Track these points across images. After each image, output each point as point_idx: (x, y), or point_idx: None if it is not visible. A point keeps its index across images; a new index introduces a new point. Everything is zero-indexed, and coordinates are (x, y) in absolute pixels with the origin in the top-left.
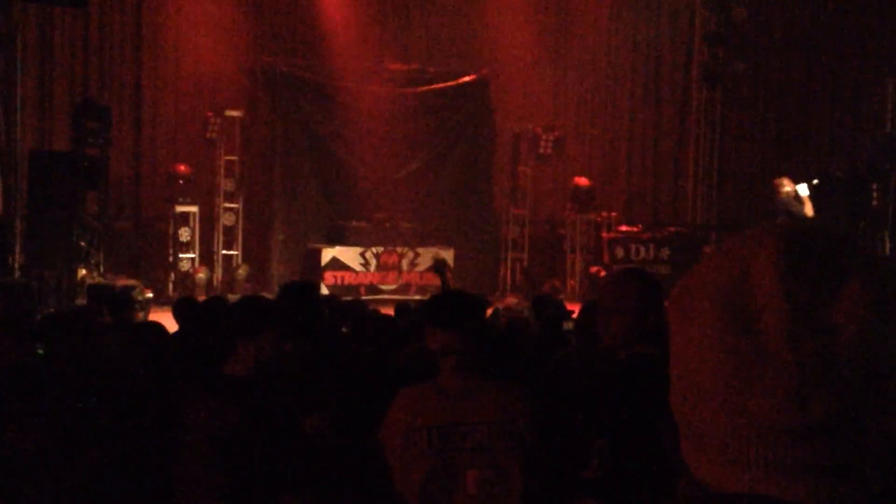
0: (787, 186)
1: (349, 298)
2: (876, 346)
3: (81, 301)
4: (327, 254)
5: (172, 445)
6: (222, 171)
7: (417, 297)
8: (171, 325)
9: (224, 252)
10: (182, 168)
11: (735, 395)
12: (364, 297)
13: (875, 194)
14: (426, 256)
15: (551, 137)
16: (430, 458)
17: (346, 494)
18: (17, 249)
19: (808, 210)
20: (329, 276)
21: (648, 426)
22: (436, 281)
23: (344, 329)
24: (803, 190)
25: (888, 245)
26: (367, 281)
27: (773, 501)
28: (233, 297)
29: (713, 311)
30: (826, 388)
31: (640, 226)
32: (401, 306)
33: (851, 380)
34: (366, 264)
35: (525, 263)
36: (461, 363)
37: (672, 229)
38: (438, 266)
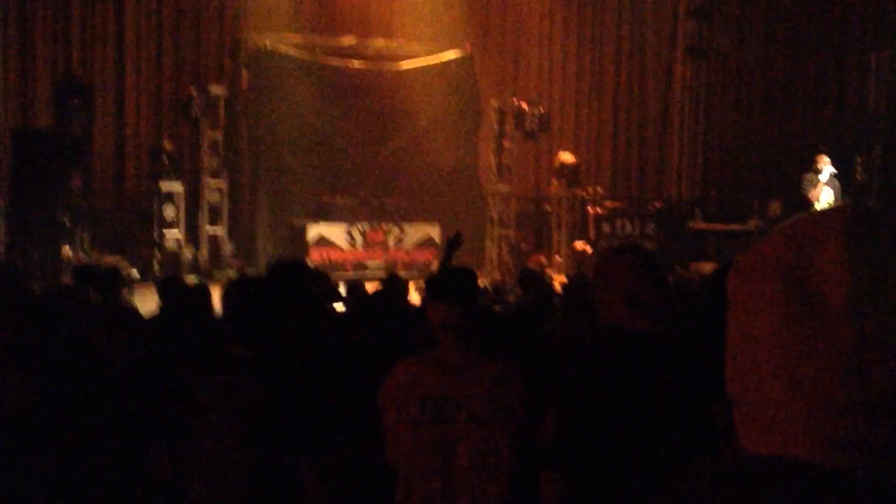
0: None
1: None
2: None
3: (66, 279)
4: (313, 231)
5: (180, 427)
6: (207, 148)
7: (403, 274)
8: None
9: (209, 230)
10: (166, 145)
11: (796, 368)
12: (351, 274)
13: (859, 168)
14: (412, 233)
15: (536, 113)
16: (422, 427)
17: (362, 464)
18: (1, 228)
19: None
20: (315, 253)
21: (617, 399)
22: (422, 257)
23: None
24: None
25: None
26: (353, 258)
27: (819, 467)
28: (219, 275)
29: (776, 286)
30: (886, 363)
31: (625, 201)
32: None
33: None
34: (352, 241)
35: (511, 239)
36: (460, 337)
37: (657, 204)
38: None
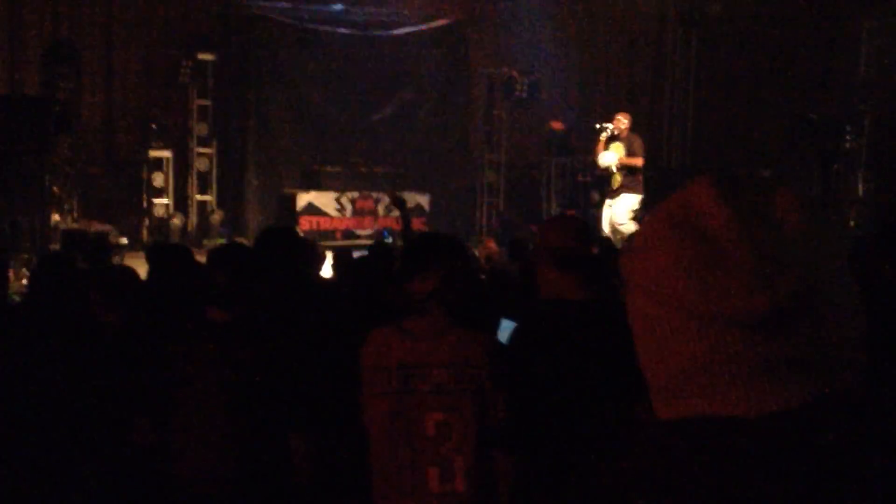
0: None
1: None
2: (816, 234)
3: (55, 247)
4: (302, 199)
5: (166, 398)
6: (195, 115)
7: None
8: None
9: (198, 197)
10: (154, 112)
11: (703, 297)
12: (340, 242)
13: (848, 137)
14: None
15: (526, 81)
16: (390, 397)
17: (348, 433)
18: None
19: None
20: (304, 221)
21: (563, 373)
22: (412, 226)
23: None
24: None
25: (862, 186)
26: (342, 226)
27: (720, 420)
28: (208, 243)
29: (668, 238)
30: (786, 269)
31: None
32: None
33: (806, 261)
34: (341, 209)
35: (501, 208)
36: (431, 306)
37: (647, 173)
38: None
